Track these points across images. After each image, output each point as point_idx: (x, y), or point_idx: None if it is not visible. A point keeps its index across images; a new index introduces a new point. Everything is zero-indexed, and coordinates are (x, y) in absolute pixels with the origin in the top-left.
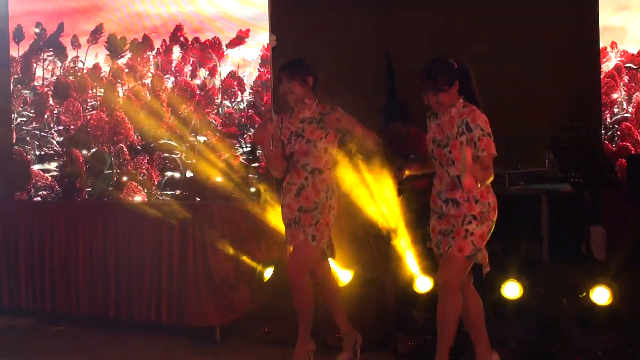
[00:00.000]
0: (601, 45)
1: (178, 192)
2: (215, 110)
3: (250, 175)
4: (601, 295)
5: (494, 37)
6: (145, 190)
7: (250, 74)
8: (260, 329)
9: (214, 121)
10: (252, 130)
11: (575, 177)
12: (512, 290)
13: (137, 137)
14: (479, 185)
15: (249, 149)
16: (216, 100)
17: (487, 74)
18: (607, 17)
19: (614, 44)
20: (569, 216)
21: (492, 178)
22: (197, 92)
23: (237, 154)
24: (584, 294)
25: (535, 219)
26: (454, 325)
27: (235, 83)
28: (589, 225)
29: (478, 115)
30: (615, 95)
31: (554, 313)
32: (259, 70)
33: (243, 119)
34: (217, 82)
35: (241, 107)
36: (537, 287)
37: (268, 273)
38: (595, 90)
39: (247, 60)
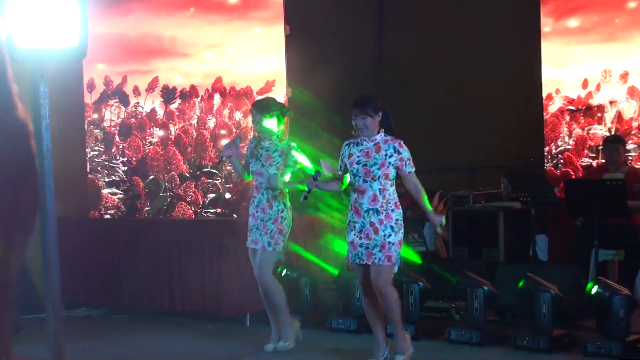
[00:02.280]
0: (548, 91)
1: (219, 210)
2: None
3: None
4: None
5: (461, 88)
6: (193, 209)
7: None
8: None
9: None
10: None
11: (524, 197)
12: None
13: (186, 166)
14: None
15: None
16: (249, 137)
17: (456, 117)
18: (549, 71)
19: (558, 90)
20: (520, 227)
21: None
22: (234, 130)
23: None
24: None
25: (493, 229)
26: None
27: None
28: (535, 234)
29: (401, 143)
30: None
31: (507, 303)
32: None
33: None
34: (250, 122)
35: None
36: (495, 283)
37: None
38: (539, 128)
39: None
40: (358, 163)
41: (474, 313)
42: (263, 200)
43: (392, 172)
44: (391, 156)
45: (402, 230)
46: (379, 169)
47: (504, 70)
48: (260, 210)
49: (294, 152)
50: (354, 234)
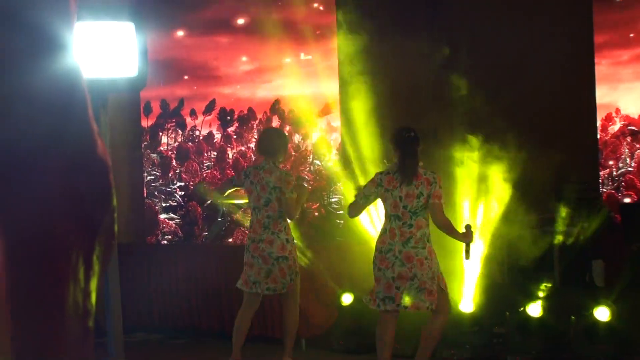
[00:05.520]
0: (607, 111)
1: None
2: (308, 168)
3: (337, 220)
4: (602, 314)
5: (511, 111)
6: None
7: (336, 138)
8: (337, 342)
9: (306, 177)
10: (339, 185)
11: (580, 221)
12: (534, 310)
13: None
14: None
15: (335, 199)
16: (308, 160)
17: (509, 141)
18: (607, 92)
19: (618, 111)
20: (575, 252)
21: None
22: (293, 153)
23: (325, 203)
24: (588, 313)
25: (548, 254)
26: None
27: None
28: (591, 258)
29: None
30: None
31: (564, 328)
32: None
33: (330, 175)
34: (309, 145)
35: (329, 165)
36: (551, 308)
37: (344, 298)
38: (593, 152)
39: (333, 127)
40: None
41: None
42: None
43: None
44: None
45: None
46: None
47: (557, 93)
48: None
49: None
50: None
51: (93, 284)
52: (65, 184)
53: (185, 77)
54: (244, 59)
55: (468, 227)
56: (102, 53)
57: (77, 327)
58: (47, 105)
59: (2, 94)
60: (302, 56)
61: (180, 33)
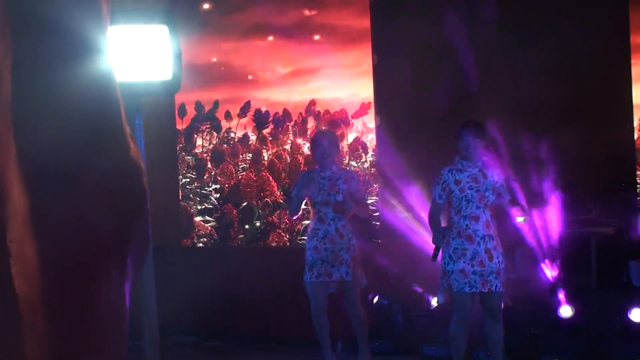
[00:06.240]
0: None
1: None
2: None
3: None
4: (639, 315)
5: (549, 112)
6: (288, 237)
7: (372, 140)
8: (373, 343)
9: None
10: (375, 186)
11: (616, 222)
12: (570, 311)
13: (280, 193)
14: None
15: (371, 200)
16: (344, 161)
17: (545, 141)
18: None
19: None
20: (613, 253)
21: None
22: None
23: None
24: (625, 314)
25: (585, 255)
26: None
27: (360, 147)
28: (628, 259)
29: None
30: None
31: (601, 329)
32: None
33: (367, 177)
34: (345, 146)
35: (365, 166)
36: (587, 309)
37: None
38: (630, 153)
39: (369, 128)
40: (470, 189)
41: None
42: (331, 231)
43: None
44: (497, 182)
45: None
46: (492, 194)
47: (593, 93)
48: (329, 241)
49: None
50: (464, 262)
51: (127, 287)
52: (98, 187)
53: (220, 80)
54: (280, 61)
55: (444, 230)
56: (136, 56)
57: (111, 330)
58: (81, 109)
59: (37, 98)
60: (337, 58)
61: (215, 33)
